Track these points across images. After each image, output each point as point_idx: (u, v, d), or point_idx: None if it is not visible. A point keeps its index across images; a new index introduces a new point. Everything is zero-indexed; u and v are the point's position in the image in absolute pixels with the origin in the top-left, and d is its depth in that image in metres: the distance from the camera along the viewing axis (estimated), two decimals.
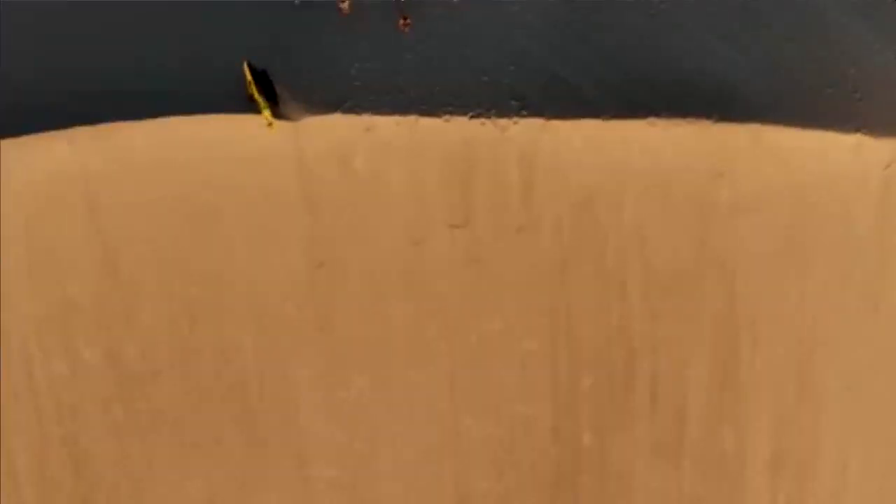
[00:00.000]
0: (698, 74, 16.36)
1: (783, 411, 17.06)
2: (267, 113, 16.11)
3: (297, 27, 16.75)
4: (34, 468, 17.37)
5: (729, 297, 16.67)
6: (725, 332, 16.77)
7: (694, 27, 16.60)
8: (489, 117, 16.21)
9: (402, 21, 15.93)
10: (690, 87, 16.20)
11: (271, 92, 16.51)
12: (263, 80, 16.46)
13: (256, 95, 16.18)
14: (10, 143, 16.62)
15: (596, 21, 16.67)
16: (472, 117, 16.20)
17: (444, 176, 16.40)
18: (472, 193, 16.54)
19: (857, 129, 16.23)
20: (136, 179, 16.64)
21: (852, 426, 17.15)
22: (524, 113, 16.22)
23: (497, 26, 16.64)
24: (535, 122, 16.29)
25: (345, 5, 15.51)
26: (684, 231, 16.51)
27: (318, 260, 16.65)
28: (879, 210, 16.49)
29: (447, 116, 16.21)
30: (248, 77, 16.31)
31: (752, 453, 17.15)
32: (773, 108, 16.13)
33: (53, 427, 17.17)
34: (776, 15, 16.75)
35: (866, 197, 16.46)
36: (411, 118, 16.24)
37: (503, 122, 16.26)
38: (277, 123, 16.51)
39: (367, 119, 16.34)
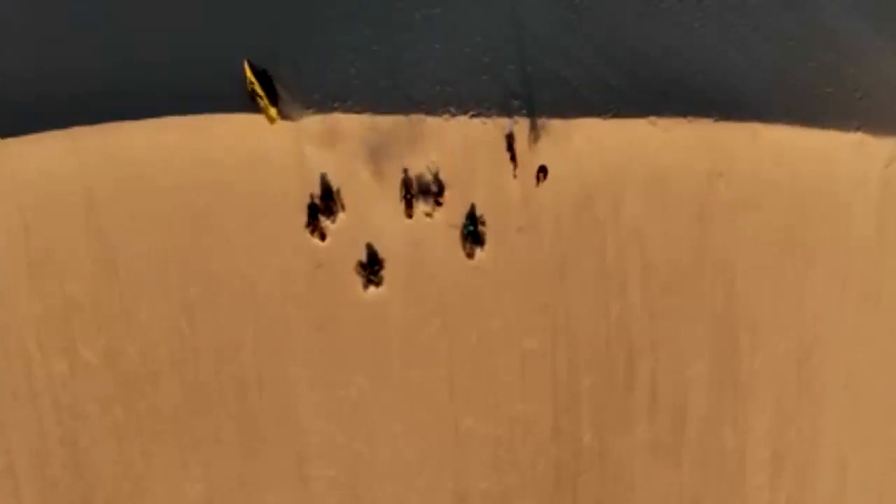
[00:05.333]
0: (698, 74, 16.35)
1: (783, 411, 17.03)
2: (270, 110, 16.07)
3: (298, 27, 16.74)
4: (34, 468, 17.35)
5: (729, 297, 16.63)
6: (725, 331, 16.74)
7: (693, 27, 16.60)
8: (490, 116, 16.16)
9: (434, 204, 16.02)
10: (690, 87, 16.18)
11: (271, 91, 16.47)
12: (263, 80, 16.42)
13: (259, 91, 16.14)
14: (9, 143, 16.60)
15: (596, 21, 16.67)
16: (472, 116, 16.16)
17: (443, 176, 16.35)
18: (472, 193, 16.50)
19: (857, 128, 16.19)
20: (135, 179, 16.60)
21: (852, 426, 17.13)
22: (525, 112, 16.19)
23: (497, 26, 16.62)
24: (536, 121, 16.28)
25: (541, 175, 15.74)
26: (684, 231, 16.47)
27: (318, 260, 16.63)
28: (880, 209, 16.46)
29: (448, 115, 16.18)
30: (250, 75, 16.28)
31: (752, 453, 17.12)
32: (773, 107, 16.11)
33: (53, 427, 17.13)
34: (776, 14, 16.76)
35: (867, 196, 16.42)
36: (412, 117, 16.21)
37: (503, 121, 16.21)
38: (278, 122, 16.49)
39: (367, 118, 16.30)
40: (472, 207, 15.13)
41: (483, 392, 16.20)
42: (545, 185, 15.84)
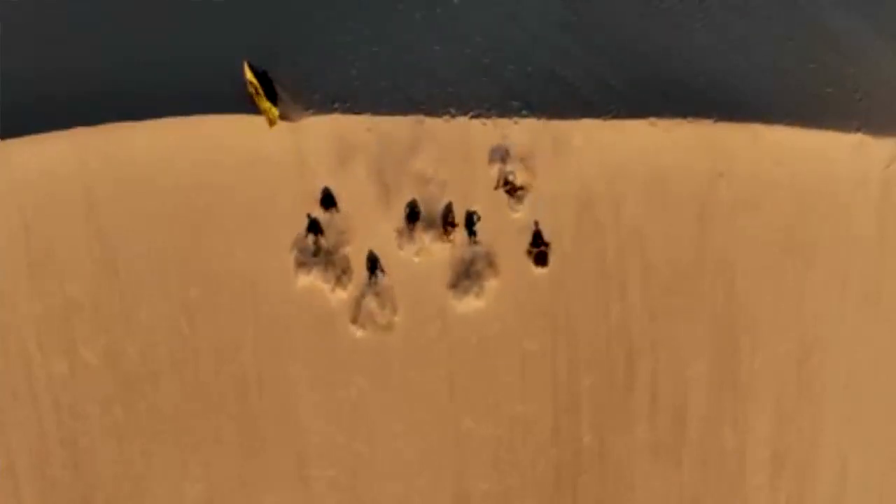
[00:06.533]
0: (698, 74, 16.35)
1: (783, 411, 17.05)
2: (272, 111, 16.10)
3: (297, 27, 16.75)
4: (34, 468, 17.36)
5: (729, 297, 16.66)
6: (725, 331, 16.76)
7: (694, 27, 16.60)
8: (489, 117, 16.20)
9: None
10: (690, 87, 16.19)
11: (271, 92, 16.49)
12: (263, 80, 16.44)
13: (259, 93, 16.18)
14: (10, 143, 16.61)
15: (596, 21, 16.66)
16: (472, 117, 16.19)
17: (443, 176, 16.39)
18: (472, 194, 16.53)
19: (857, 129, 16.21)
20: (135, 179, 16.63)
21: (852, 426, 17.15)
22: (524, 113, 16.21)
23: (497, 26, 16.62)
24: (535, 122, 16.28)
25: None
26: (684, 231, 16.50)
27: (318, 260, 16.69)
28: (879, 210, 16.49)
29: (447, 116, 16.21)
30: (250, 77, 16.30)
31: (752, 453, 17.14)
32: (773, 108, 16.12)
33: (53, 427, 17.16)
34: (776, 15, 16.75)
35: (866, 196, 16.45)
36: (412, 118, 16.24)
37: (503, 121, 16.25)
38: (278, 123, 16.51)
39: (367, 119, 16.34)
40: (470, 213, 14.97)
41: (483, 392, 15.98)
42: (544, 185, 15.52)
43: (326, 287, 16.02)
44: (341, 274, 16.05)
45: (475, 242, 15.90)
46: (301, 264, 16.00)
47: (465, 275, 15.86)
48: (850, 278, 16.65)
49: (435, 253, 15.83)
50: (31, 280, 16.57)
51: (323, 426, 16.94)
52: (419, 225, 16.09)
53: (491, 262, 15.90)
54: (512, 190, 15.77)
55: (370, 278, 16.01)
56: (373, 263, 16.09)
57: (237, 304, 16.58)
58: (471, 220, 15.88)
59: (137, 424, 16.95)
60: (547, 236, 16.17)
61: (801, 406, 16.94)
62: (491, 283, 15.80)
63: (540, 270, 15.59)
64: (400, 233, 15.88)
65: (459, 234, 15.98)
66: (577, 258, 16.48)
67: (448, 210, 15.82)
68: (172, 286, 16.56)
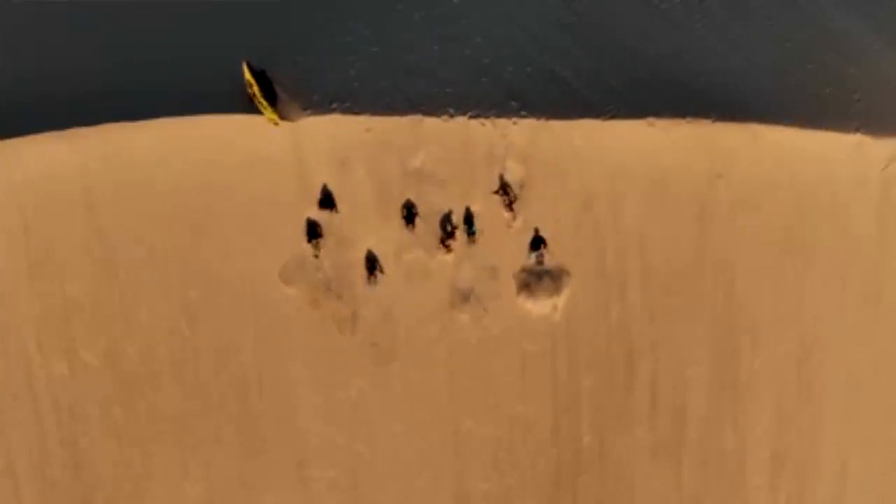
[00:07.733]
0: (698, 74, 16.36)
1: (783, 411, 17.06)
2: (271, 112, 16.11)
3: (297, 27, 16.77)
4: (34, 468, 17.37)
5: (729, 297, 16.67)
6: (725, 332, 16.78)
7: (694, 27, 16.61)
8: (489, 117, 16.22)
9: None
10: (690, 87, 16.21)
11: (270, 92, 16.51)
12: (263, 81, 16.46)
13: (258, 94, 16.19)
14: (9, 144, 16.62)
15: (596, 21, 16.68)
16: (471, 117, 16.21)
17: (443, 176, 16.40)
18: (472, 194, 16.55)
19: (856, 129, 16.23)
20: (134, 180, 16.64)
21: (852, 426, 17.17)
22: (524, 113, 16.23)
23: (497, 26, 16.64)
24: (535, 122, 16.30)
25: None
26: (684, 231, 16.51)
27: (318, 260, 16.70)
28: (879, 210, 16.50)
29: (447, 116, 16.22)
30: (249, 77, 16.31)
31: (752, 453, 17.16)
32: (773, 108, 16.13)
33: (53, 428, 17.18)
34: (776, 15, 16.76)
35: (866, 196, 16.46)
36: (411, 118, 16.26)
37: (503, 122, 16.27)
38: (279, 122, 16.54)
39: (366, 119, 16.35)
40: (469, 211, 15.02)
41: (483, 393, 16.02)
42: (544, 185, 15.57)
43: (326, 302, 16.08)
44: (341, 289, 16.10)
45: (474, 243, 15.92)
46: (289, 281, 16.18)
47: (466, 295, 15.94)
48: (850, 278, 16.66)
49: (434, 268, 15.92)
50: (31, 280, 16.58)
51: (323, 427, 16.95)
52: (418, 239, 16.10)
53: (493, 275, 15.96)
54: (509, 205, 15.83)
55: (369, 278, 16.03)
56: (371, 263, 16.11)
57: (237, 305, 16.59)
58: (470, 220, 15.89)
59: (137, 425, 16.96)
60: (547, 237, 16.19)
61: (801, 406, 16.95)
62: (492, 302, 15.88)
63: (538, 307, 15.70)
64: (399, 245, 15.92)
65: (459, 237, 16.00)
66: (576, 259, 16.49)
67: (447, 220, 15.84)
68: (172, 287, 16.57)
